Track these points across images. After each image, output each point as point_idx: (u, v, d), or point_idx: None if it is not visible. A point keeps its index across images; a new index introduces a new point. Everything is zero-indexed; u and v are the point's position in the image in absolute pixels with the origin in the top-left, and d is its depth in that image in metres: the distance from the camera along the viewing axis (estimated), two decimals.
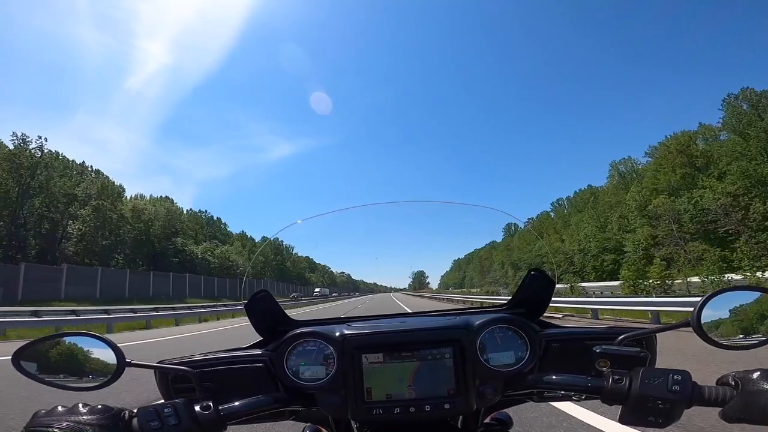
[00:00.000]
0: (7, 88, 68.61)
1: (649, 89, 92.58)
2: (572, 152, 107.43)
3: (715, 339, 0.65)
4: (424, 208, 1.22)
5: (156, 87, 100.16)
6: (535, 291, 0.91)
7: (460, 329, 0.81)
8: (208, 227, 69.42)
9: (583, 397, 0.72)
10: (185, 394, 0.75)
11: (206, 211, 72.34)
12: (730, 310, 0.67)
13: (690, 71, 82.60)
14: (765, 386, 0.56)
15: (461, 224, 1.29)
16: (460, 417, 0.87)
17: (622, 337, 0.72)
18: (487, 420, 0.97)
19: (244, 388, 0.78)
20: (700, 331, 0.65)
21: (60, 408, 0.60)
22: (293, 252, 73.73)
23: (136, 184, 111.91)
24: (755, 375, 0.58)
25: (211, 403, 0.67)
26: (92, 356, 0.72)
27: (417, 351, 0.78)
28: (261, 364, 0.83)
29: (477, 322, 0.81)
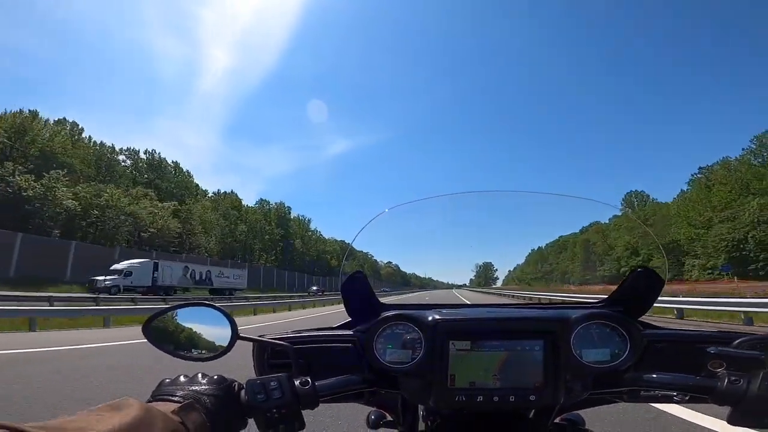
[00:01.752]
0: (97, 96, 77.02)
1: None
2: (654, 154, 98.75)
3: None
4: (495, 200, 1.18)
5: (223, 88, 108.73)
6: (639, 289, 0.86)
7: (554, 321, 0.79)
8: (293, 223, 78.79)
9: (687, 398, 0.71)
10: (278, 369, 0.77)
11: (289, 207, 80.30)
12: None
13: None
14: None
15: (535, 215, 1.23)
16: (531, 412, 0.85)
17: (741, 340, 0.70)
18: (557, 420, 0.94)
19: (333, 366, 0.80)
20: None
21: (182, 378, 0.63)
22: (317, 232, 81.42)
23: (208, 182, 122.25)
24: None
25: (309, 379, 0.69)
26: (209, 327, 0.76)
27: (506, 341, 0.77)
28: (350, 344, 0.85)
29: (574, 316, 0.79)
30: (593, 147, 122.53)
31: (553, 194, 1.05)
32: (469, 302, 1.14)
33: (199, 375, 0.64)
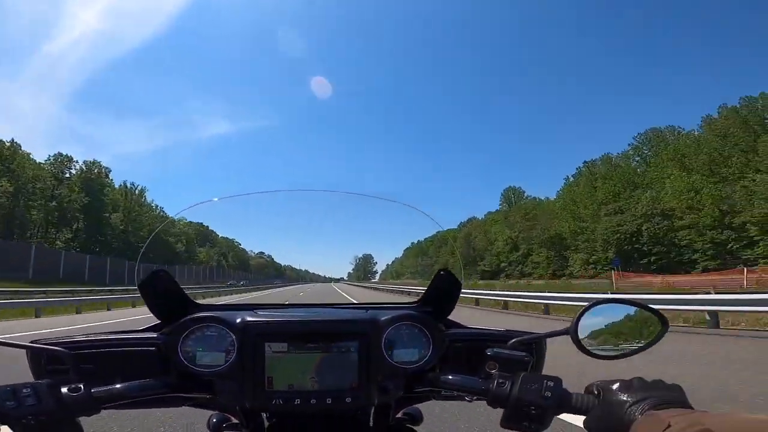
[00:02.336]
0: None
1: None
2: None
3: (589, 348, 0.72)
4: (361, 201, 1.21)
5: (81, 52, 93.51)
6: (442, 290, 0.94)
7: (366, 323, 0.83)
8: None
9: (474, 399, 0.75)
10: (60, 376, 0.72)
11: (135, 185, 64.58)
12: (604, 321, 0.73)
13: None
14: (622, 397, 0.57)
15: (394, 221, 1.29)
16: (372, 411, 0.89)
17: (513, 341, 0.77)
18: (398, 415, 1.00)
19: (132, 371, 0.75)
20: (577, 339, 0.71)
21: None
22: (156, 208, 67.39)
23: (41, 151, 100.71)
24: (615, 386, 0.60)
25: (82, 385, 0.65)
26: None
27: (322, 343, 0.78)
28: (153, 348, 0.81)
29: (384, 318, 0.84)
30: (478, 143, 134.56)
31: (404, 203, 1.13)
32: (354, 300, 1.13)
33: None
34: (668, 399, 0.55)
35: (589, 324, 0.71)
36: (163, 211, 65.84)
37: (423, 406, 1.02)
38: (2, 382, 0.62)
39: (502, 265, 74.70)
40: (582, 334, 0.71)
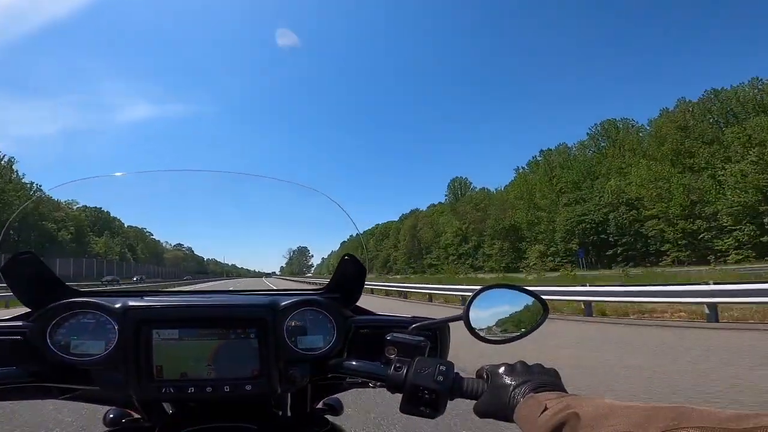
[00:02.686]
0: None
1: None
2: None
3: (480, 333, 0.74)
4: (293, 191, 1.18)
5: None
6: (349, 276, 0.94)
7: (265, 308, 0.80)
8: None
9: (378, 385, 0.75)
10: None
11: None
12: (494, 307, 0.76)
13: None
14: (507, 381, 0.60)
15: (321, 216, 1.28)
16: (288, 400, 0.87)
17: (413, 326, 0.79)
18: (319, 405, 0.99)
19: None
20: (469, 325, 0.74)
21: None
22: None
23: None
24: (501, 369, 0.63)
25: None
26: None
27: (218, 329, 0.76)
28: (19, 337, 0.75)
29: (284, 303, 0.82)
30: (422, 132, 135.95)
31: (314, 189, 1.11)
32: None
33: None
34: (545, 382, 0.59)
35: (480, 309, 0.74)
36: (41, 189, 54.93)
37: (346, 397, 1.02)
38: None
39: (451, 258, 73.52)
40: (474, 319, 0.73)
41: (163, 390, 0.72)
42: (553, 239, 56.86)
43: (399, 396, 0.65)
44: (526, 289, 0.76)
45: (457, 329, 0.82)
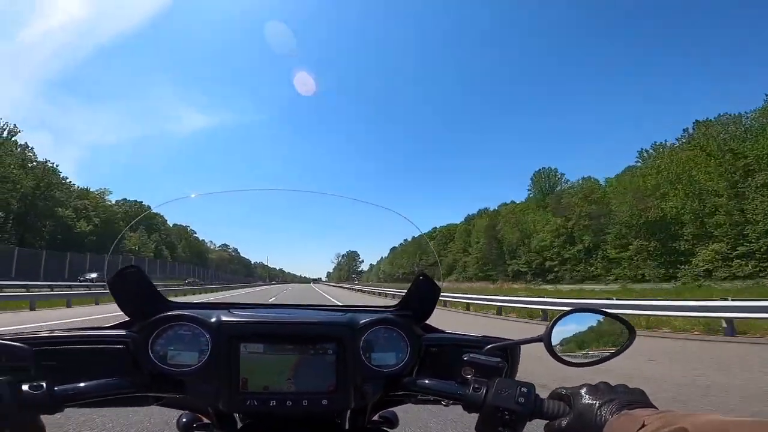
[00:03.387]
0: None
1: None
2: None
3: (561, 356, 0.76)
4: (333, 201, 1.23)
5: (57, 39, 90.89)
6: (421, 294, 0.97)
7: (344, 326, 0.85)
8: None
9: (450, 403, 0.77)
10: (21, 373, 0.70)
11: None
12: (576, 330, 0.78)
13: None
14: (590, 400, 0.62)
15: (375, 224, 1.30)
16: (348, 414, 0.92)
17: (489, 347, 0.81)
18: (375, 418, 1.03)
19: (99, 371, 0.75)
20: (550, 347, 0.75)
21: None
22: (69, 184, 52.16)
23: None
24: (582, 390, 0.64)
25: (44, 383, 0.65)
26: None
27: (299, 345, 0.81)
28: (122, 346, 0.81)
29: (362, 321, 0.86)
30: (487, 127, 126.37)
31: (380, 205, 1.15)
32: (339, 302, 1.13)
33: None
34: (634, 400, 0.59)
35: (562, 332, 0.76)
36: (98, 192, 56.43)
37: (398, 410, 1.05)
38: None
39: (549, 264, 58.51)
40: (555, 341, 0.75)
41: (248, 402, 0.76)
42: (741, 235, 37.71)
43: (444, 409, 0.66)
44: (611, 313, 0.78)
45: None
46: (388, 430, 1.00)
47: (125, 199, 61.61)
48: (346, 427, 0.91)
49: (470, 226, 76.68)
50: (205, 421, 1.02)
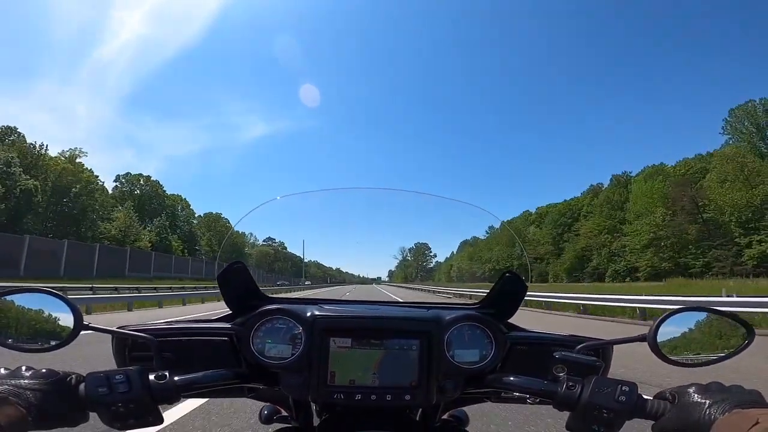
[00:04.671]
0: None
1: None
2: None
3: (668, 356, 0.72)
4: (404, 198, 1.24)
5: (128, 57, 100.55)
6: (507, 293, 0.96)
7: (430, 322, 0.86)
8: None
9: (537, 401, 0.78)
10: (142, 363, 0.77)
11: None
12: (684, 330, 0.73)
13: None
14: (699, 399, 0.60)
15: (442, 218, 1.33)
16: (419, 410, 0.93)
17: (581, 345, 0.79)
18: (444, 416, 1.04)
19: (205, 360, 0.81)
20: (655, 347, 0.72)
21: (2, 370, 0.62)
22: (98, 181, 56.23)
23: (98, 155, 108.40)
24: (690, 389, 0.63)
25: (167, 373, 0.70)
26: (47, 316, 0.72)
27: (385, 340, 0.83)
28: (226, 338, 0.88)
29: (447, 317, 0.87)
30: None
31: (445, 198, 1.16)
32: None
33: (23, 368, 0.64)
34: (749, 400, 0.57)
35: (667, 332, 0.72)
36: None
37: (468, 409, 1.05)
38: (87, 366, 0.69)
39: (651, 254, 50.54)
40: (660, 341, 0.71)
41: (335, 395, 0.79)
42: None
43: (511, 409, 0.65)
44: (725, 311, 0.73)
45: None
46: (460, 428, 1.01)
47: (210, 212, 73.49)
48: (418, 423, 0.92)
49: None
50: (284, 413, 1.07)
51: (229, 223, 71.19)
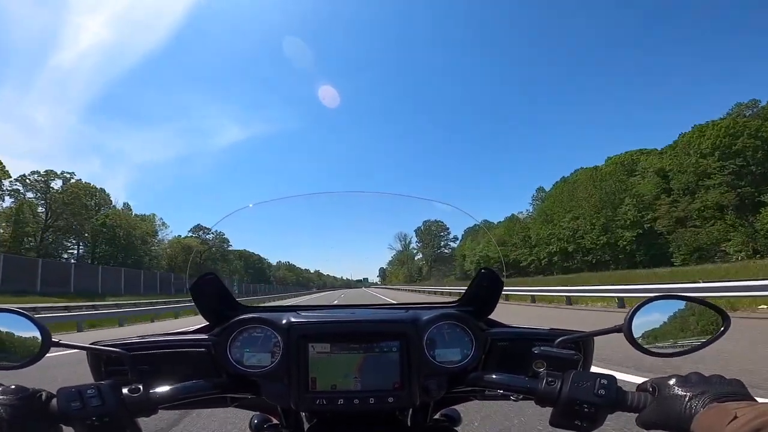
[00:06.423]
0: None
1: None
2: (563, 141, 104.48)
3: (645, 346, 0.74)
4: (381, 201, 1.27)
5: (91, 63, 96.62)
6: (484, 289, 0.97)
7: (407, 323, 0.87)
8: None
9: (520, 398, 0.78)
10: (119, 377, 0.77)
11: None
12: (659, 319, 0.75)
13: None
14: (679, 392, 0.60)
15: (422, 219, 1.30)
16: (410, 411, 0.94)
17: (560, 339, 0.80)
18: (436, 416, 1.05)
19: (184, 373, 0.82)
20: (631, 337, 0.73)
21: None
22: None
23: (63, 165, 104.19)
24: (671, 381, 0.63)
25: (141, 386, 0.71)
26: (14, 335, 0.73)
27: (364, 343, 0.84)
28: (203, 349, 0.89)
29: (425, 317, 0.88)
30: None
31: (421, 198, 1.17)
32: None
33: None
34: (729, 392, 0.57)
35: (642, 322, 0.73)
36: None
37: (459, 407, 1.06)
38: (66, 383, 0.68)
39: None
40: (636, 331, 0.73)
41: (317, 401, 0.80)
42: None
43: (505, 405, 0.66)
44: (699, 299, 0.74)
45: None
46: (451, 427, 1.01)
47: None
48: (409, 425, 0.92)
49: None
50: (275, 421, 1.08)
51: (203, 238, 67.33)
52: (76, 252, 51.04)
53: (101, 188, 55.86)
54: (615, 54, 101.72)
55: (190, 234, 67.56)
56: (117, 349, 0.80)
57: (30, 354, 0.71)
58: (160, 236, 62.74)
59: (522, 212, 74.43)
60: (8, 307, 0.74)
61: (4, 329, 0.73)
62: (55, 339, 0.72)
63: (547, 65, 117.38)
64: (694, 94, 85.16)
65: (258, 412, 1.12)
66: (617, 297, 13.57)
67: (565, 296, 16.43)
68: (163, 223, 64.79)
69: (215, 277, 0.94)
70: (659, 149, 54.21)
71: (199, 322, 0.99)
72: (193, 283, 0.92)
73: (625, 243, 51.21)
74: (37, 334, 0.72)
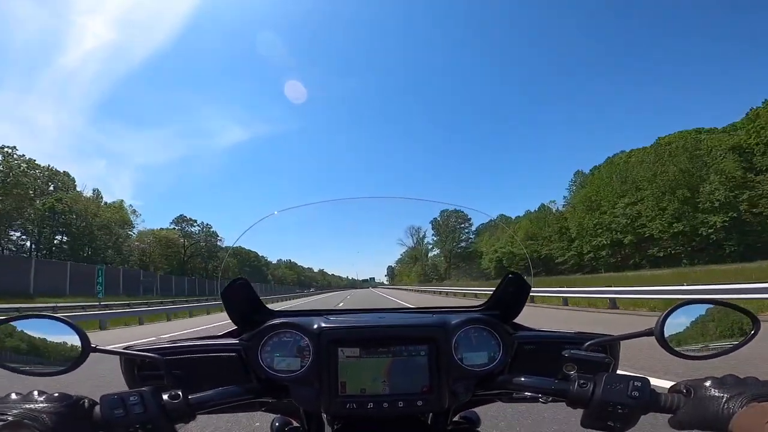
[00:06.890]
0: None
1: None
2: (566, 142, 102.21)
3: (676, 349, 0.75)
4: (390, 204, 1.27)
5: (94, 65, 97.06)
6: (510, 294, 0.99)
7: (436, 327, 0.88)
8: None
9: (550, 400, 0.80)
10: (152, 382, 0.79)
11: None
12: (690, 322, 0.76)
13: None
14: (715, 393, 0.62)
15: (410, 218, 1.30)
16: (431, 414, 0.95)
17: (589, 342, 0.81)
18: (456, 418, 1.07)
19: (215, 377, 0.84)
20: (663, 340, 0.74)
21: (14, 395, 0.63)
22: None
23: (68, 167, 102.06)
24: (707, 383, 0.64)
25: (180, 392, 0.71)
26: (55, 341, 0.74)
27: (393, 347, 0.85)
28: (234, 354, 0.90)
29: (453, 322, 0.89)
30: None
31: (436, 201, 1.21)
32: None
33: (35, 392, 0.65)
34: (766, 393, 0.58)
35: (673, 325, 0.74)
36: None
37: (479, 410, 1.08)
38: (67, 385, 0.70)
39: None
40: (667, 335, 0.74)
41: (347, 405, 0.81)
42: None
43: (519, 406, 0.67)
44: (728, 302, 0.76)
45: None
46: (472, 429, 1.03)
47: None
48: (430, 427, 0.93)
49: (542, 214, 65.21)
50: (295, 424, 1.09)
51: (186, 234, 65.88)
52: (26, 244, 44.31)
53: (65, 171, 50.16)
54: (615, 54, 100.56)
55: (173, 226, 65.69)
56: (153, 354, 0.81)
57: (69, 360, 0.72)
58: (137, 228, 57.87)
59: (554, 201, 67.71)
60: (48, 314, 0.75)
61: (39, 335, 0.74)
62: (93, 344, 0.73)
63: (547, 65, 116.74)
64: (703, 93, 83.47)
65: (279, 415, 1.14)
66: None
67: (608, 298, 13.68)
68: (134, 211, 59.29)
69: (246, 282, 0.96)
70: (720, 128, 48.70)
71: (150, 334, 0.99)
72: (225, 287, 0.94)
73: (709, 231, 42.56)
74: (74, 339, 0.72)
